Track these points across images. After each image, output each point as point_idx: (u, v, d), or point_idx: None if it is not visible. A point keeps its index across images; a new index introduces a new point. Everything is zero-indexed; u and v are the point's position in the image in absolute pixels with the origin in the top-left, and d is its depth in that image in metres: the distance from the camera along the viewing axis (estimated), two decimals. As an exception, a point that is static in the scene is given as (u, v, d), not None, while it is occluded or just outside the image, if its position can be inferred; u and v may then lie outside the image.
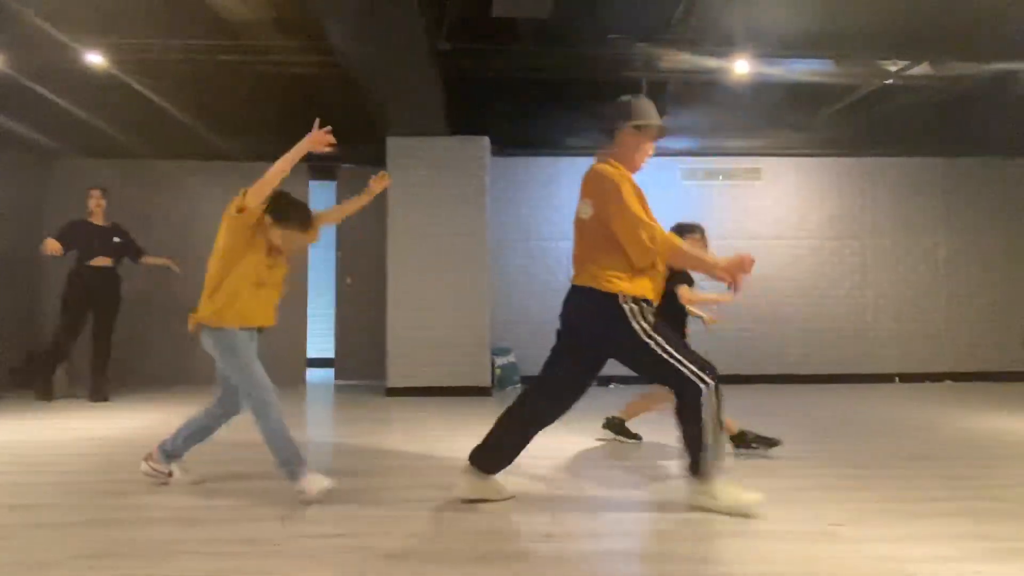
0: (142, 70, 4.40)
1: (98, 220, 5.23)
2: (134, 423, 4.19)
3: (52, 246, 4.87)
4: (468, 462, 2.52)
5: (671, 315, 3.10)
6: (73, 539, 2.12)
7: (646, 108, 2.56)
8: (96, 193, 5.22)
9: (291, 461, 2.51)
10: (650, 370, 2.54)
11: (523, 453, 2.62)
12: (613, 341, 2.49)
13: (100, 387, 5.13)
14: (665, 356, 2.42)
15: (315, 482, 2.47)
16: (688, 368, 2.42)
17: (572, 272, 2.64)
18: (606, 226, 2.46)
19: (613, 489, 2.76)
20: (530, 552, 2.07)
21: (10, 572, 1.85)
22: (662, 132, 2.61)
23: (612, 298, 2.43)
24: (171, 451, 2.73)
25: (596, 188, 2.50)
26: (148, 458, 2.74)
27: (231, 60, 4.36)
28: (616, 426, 3.66)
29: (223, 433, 2.87)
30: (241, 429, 2.89)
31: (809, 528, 2.26)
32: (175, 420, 3.02)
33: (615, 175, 2.48)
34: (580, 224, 2.59)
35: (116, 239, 5.25)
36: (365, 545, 2.06)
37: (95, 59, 4.08)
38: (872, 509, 2.46)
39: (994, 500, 2.57)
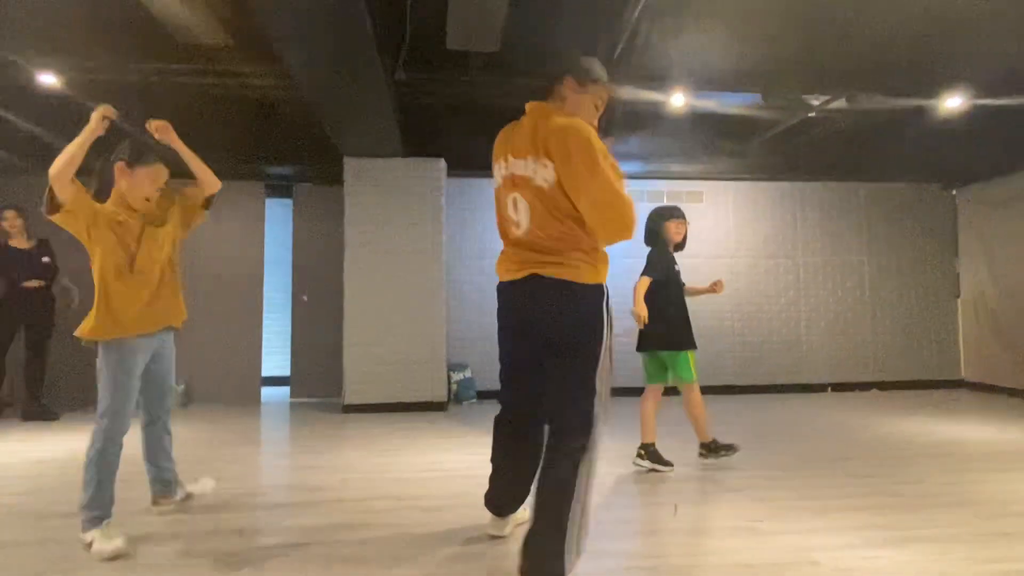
0: (97, 91, 4.42)
1: (20, 243, 5.12)
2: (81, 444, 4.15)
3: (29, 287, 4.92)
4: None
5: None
6: (23, 558, 2.16)
7: (596, 66, 2.22)
8: (10, 215, 5.07)
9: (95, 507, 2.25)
10: (576, 389, 1.97)
11: (484, 458, 2.75)
12: (590, 344, 1.97)
13: (37, 408, 5.06)
14: (596, 382, 1.96)
15: (108, 540, 2.17)
16: (600, 405, 1.96)
17: (520, 258, 2.09)
18: (572, 197, 1.93)
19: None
20: (477, 554, 2.23)
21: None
22: (608, 94, 2.22)
23: (598, 290, 2.02)
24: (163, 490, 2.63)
25: (563, 146, 1.92)
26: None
27: (187, 83, 4.44)
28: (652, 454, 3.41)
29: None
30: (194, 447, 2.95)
31: (731, 524, 2.50)
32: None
33: (591, 133, 1.94)
34: (535, 193, 2.01)
35: (45, 259, 5.17)
36: (317, 553, 2.19)
37: (48, 79, 4.10)
38: (789, 506, 2.73)
39: (895, 495, 2.88)
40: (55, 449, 4.00)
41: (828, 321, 6.78)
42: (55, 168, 2.28)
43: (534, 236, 2.04)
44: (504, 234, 2.21)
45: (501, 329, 2.30)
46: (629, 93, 4.65)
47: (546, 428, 2.02)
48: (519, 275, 2.08)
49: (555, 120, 2.01)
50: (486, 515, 2.46)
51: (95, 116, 2.40)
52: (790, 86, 4.76)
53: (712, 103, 4.75)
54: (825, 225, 6.87)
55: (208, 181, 2.77)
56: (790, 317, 6.74)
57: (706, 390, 6.46)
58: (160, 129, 2.64)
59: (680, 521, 2.54)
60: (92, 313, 2.32)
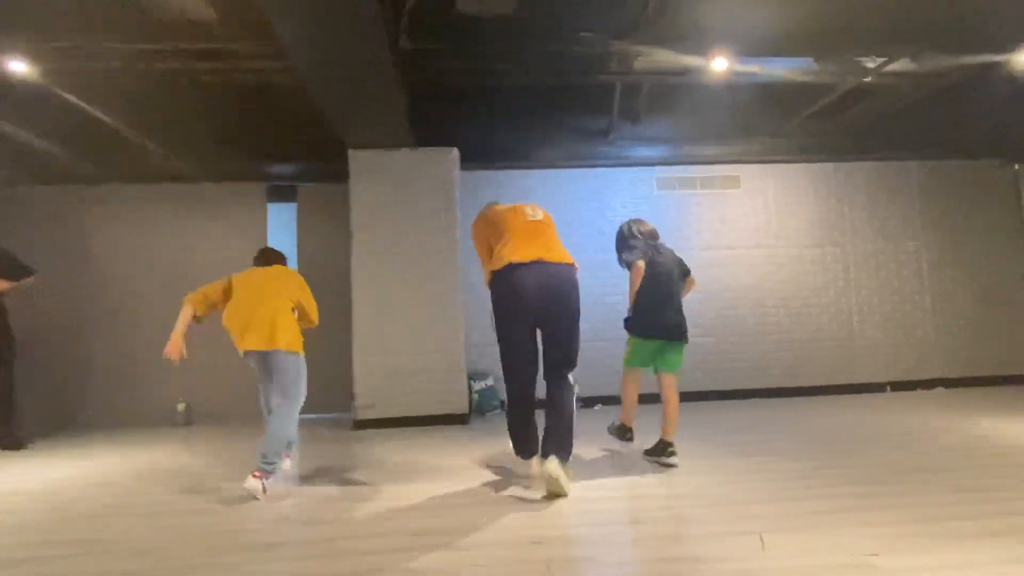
0: (75, 80, 4.02)
1: None
2: (58, 472, 3.70)
3: None
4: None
5: None
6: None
7: None
8: None
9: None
10: (574, 341, 2.98)
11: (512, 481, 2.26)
12: (577, 310, 2.98)
13: (4, 435, 4.58)
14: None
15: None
16: None
17: (534, 254, 2.95)
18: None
19: (611, 526, 2.42)
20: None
21: None
22: None
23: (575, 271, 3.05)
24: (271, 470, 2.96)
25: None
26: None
27: (175, 68, 4.02)
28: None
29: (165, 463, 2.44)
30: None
31: (839, 560, 1.95)
32: (104, 468, 2.59)
33: None
34: (537, 223, 3.13)
35: None
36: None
37: (18, 67, 3.69)
38: (901, 532, 2.17)
39: (1019, 515, 2.31)
40: (32, 479, 3.55)
41: (883, 314, 6.17)
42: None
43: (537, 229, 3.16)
44: (512, 232, 3.07)
45: (519, 303, 2.93)
46: (660, 60, 4.14)
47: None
48: (540, 255, 3.02)
49: None
50: (523, 554, 1.95)
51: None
52: (845, 47, 4.23)
53: (755, 68, 4.22)
54: (875, 209, 6.27)
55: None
56: (840, 311, 6.14)
57: (752, 393, 5.94)
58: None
59: (773, 557, 1.99)
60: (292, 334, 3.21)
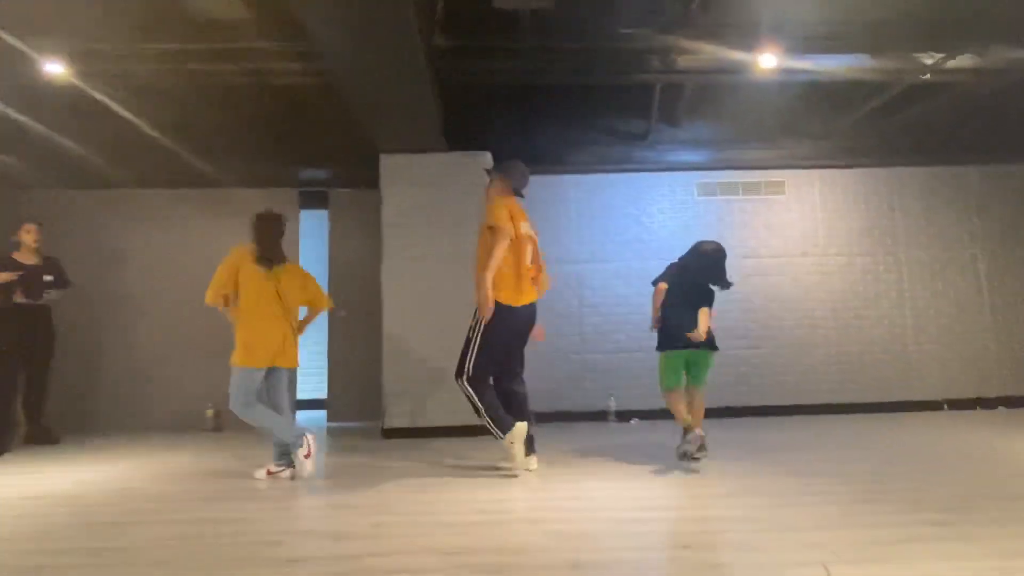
0: (110, 82, 4.03)
1: (27, 258, 4.88)
2: (86, 475, 3.66)
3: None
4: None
5: None
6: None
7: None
8: (32, 228, 4.89)
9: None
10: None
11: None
12: None
13: (38, 430, 4.86)
14: None
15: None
16: None
17: (533, 295, 3.56)
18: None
19: (658, 551, 2.22)
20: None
21: None
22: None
23: None
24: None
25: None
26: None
27: (207, 70, 4.00)
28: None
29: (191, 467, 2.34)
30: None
31: (926, 600, 1.72)
32: (128, 472, 2.52)
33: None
34: (531, 242, 3.54)
35: (47, 277, 4.90)
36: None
37: (55, 68, 3.71)
38: (991, 567, 1.92)
39: None
40: (57, 482, 3.51)
41: (939, 327, 5.81)
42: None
43: (531, 274, 3.57)
44: (519, 272, 3.48)
45: (514, 334, 3.56)
46: (705, 57, 3.96)
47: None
48: (532, 299, 3.57)
49: None
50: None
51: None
52: (903, 41, 3.98)
53: (805, 64, 4.00)
54: (930, 215, 5.94)
55: None
56: (894, 323, 5.80)
57: (800, 409, 5.62)
58: None
59: (845, 593, 1.77)
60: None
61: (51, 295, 4.97)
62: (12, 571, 2.09)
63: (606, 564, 2.05)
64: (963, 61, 4.10)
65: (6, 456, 4.46)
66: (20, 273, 4.75)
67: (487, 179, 3.69)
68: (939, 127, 5.27)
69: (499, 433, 3.37)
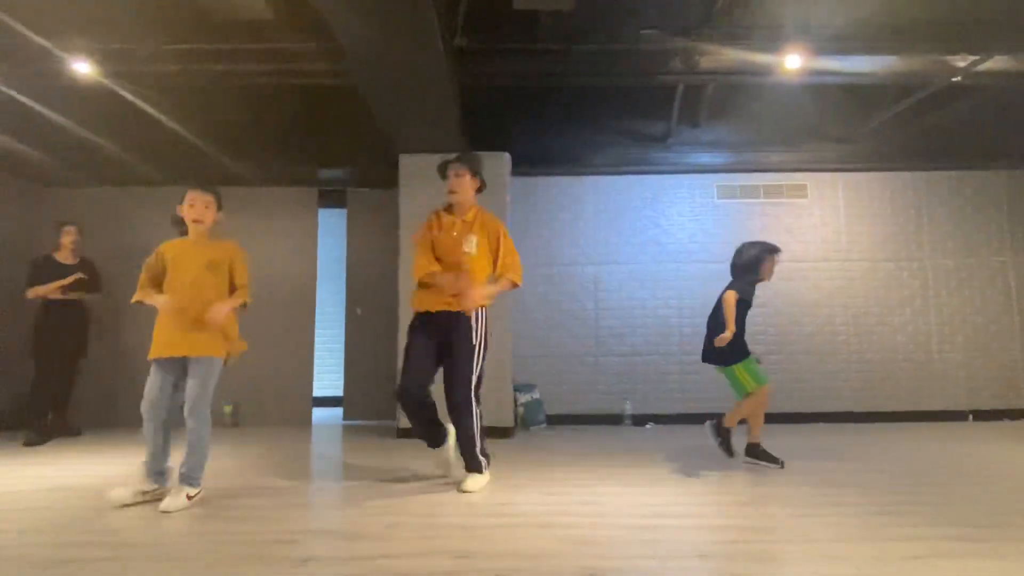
0: (136, 81, 4.08)
1: (65, 257, 5.06)
2: (108, 468, 3.71)
3: (38, 293, 4.88)
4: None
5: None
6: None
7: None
8: (71, 230, 5.07)
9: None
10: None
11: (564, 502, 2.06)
12: None
13: (62, 423, 5.00)
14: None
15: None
16: None
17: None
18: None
19: (674, 559, 2.18)
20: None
21: None
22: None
23: None
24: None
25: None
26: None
27: (232, 71, 4.03)
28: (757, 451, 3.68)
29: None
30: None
31: (952, 619, 1.67)
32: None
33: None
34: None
35: (81, 277, 5.04)
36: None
37: (82, 68, 3.76)
38: (1021, 588, 1.86)
39: None
40: (81, 473, 3.56)
41: (966, 336, 5.68)
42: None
43: None
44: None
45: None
46: (728, 58, 3.90)
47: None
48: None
49: None
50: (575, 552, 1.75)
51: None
52: (932, 42, 3.89)
53: (832, 65, 3.92)
54: (958, 222, 5.81)
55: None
56: (918, 331, 5.68)
57: (819, 416, 5.54)
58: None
59: (867, 610, 1.72)
60: None
61: (84, 296, 5.10)
62: (38, 564, 2.12)
63: (621, 571, 2.02)
64: (995, 63, 3.99)
65: (28, 447, 4.55)
66: (75, 279, 4.94)
67: (458, 172, 3.25)
68: (967, 130, 5.15)
69: (485, 463, 3.19)
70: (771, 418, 5.50)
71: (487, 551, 2.20)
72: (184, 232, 2.96)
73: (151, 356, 2.86)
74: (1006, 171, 5.80)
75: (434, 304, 3.14)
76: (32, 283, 4.91)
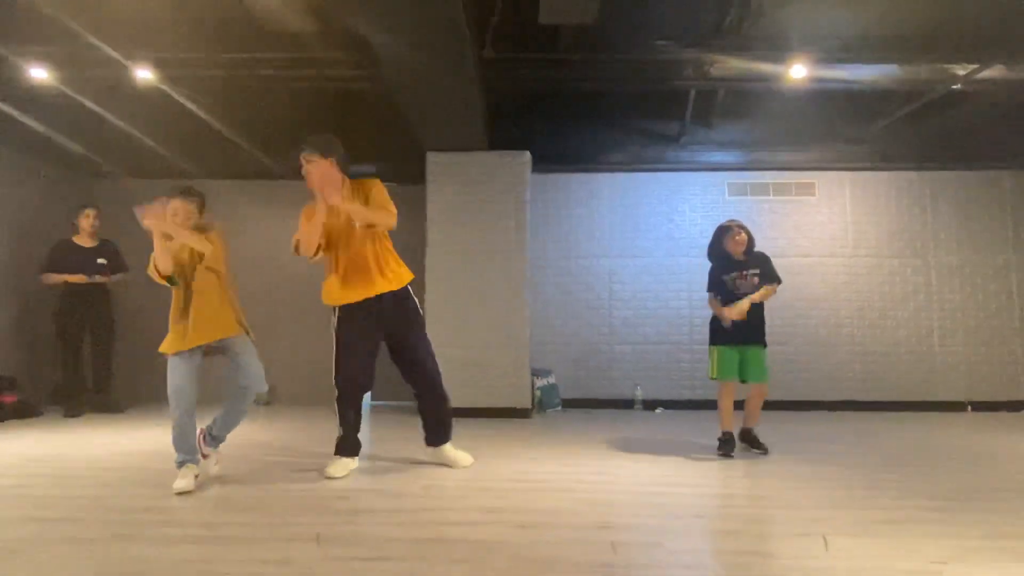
0: (188, 85, 4.45)
1: (85, 241, 5.32)
2: (158, 437, 4.11)
3: (54, 280, 5.16)
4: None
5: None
6: (99, 555, 1.99)
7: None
8: (90, 212, 5.31)
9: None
10: None
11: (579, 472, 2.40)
12: None
13: (105, 400, 5.33)
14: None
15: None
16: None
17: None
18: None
19: (676, 518, 2.51)
20: (588, 584, 1.84)
21: (29, 588, 1.72)
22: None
23: None
24: (216, 435, 3.07)
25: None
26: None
27: (273, 75, 4.38)
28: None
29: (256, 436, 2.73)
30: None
31: (907, 565, 1.97)
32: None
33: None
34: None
35: (100, 260, 5.33)
36: (403, 570, 1.87)
37: (144, 75, 4.13)
38: (975, 546, 2.15)
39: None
40: (138, 443, 3.97)
41: (967, 330, 5.90)
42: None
43: None
44: None
45: None
46: (739, 68, 4.17)
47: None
48: None
49: None
50: (590, 535, 2.15)
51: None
52: (932, 53, 4.11)
53: (836, 74, 4.17)
54: (961, 220, 6.00)
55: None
56: (920, 325, 5.92)
57: (822, 405, 5.82)
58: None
59: (836, 558, 2.04)
60: None
61: (108, 277, 5.37)
62: (124, 511, 2.50)
63: (630, 526, 2.36)
64: (994, 72, 4.21)
65: (78, 420, 4.98)
66: (94, 280, 5.26)
67: (309, 159, 3.09)
68: (971, 133, 5.35)
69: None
70: (776, 406, 5.80)
71: (512, 508, 2.54)
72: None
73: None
74: (1010, 171, 5.97)
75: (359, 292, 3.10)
76: (49, 268, 5.16)
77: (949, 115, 5.01)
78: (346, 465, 3.13)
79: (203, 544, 2.11)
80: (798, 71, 4.02)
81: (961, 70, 4.22)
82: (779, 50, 3.93)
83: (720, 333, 3.69)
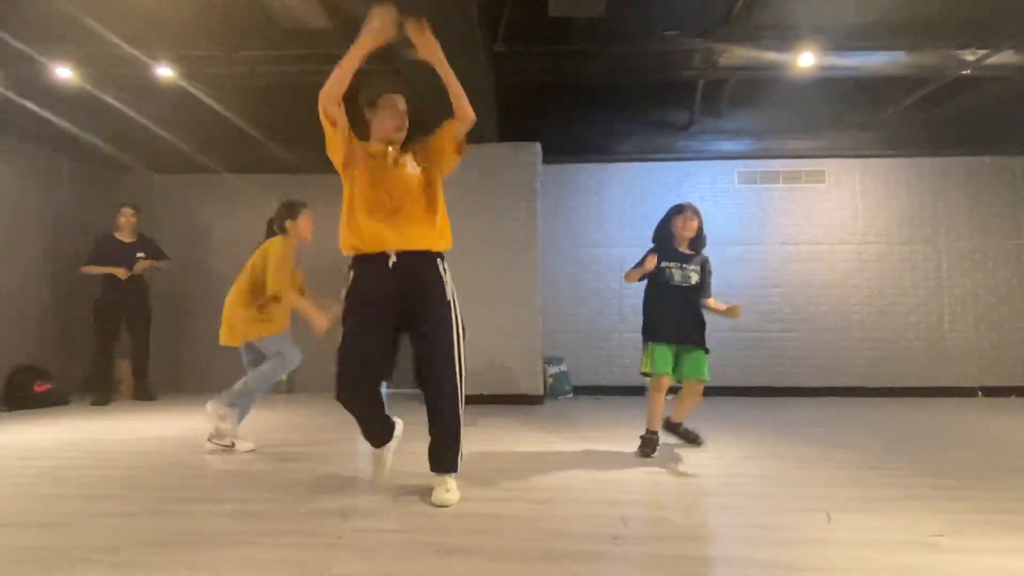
0: (209, 82, 4.57)
1: (124, 236, 5.64)
2: (190, 423, 4.28)
3: (95, 271, 5.48)
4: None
5: None
6: (138, 527, 2.13)
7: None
8: (128, 211, 5.67)
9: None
10: None
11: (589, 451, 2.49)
12: None
13: (142, 389, 5.64)
14: None
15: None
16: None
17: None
18: None
19: (682, 495, 2.61)
20: (597, 553, 1.95)
21: (80, 555, 1.86)
22: None
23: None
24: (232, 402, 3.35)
25: None
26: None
27: (291, 71, 4.48)
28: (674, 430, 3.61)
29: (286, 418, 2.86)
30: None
31: (905, 537, 2.07)
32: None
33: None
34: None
35: (139, 254, 5.64)
36: (425, 540, 2.00)
37: (165, 72, 4.26)
38: (972, 520, 2.24)
39: (1115, 514, 2.31)
40: (170, 429, 4.14)
41: (977, 316, 5.92)
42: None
43: None
44: None
45: None
46: (747, 58, 4.21)
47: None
48: None
49: None
50: (601, 510, 2.25)
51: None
52: (941, 39, 4.13)
53: (844, 62, 4.20)
54: (972, 206, 6.01)
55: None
56: (930, 311, 5.94)
57: (832, 391, 5.88)
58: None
59: (838, 531, 2.13)
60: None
61: (148, 269, 5.67)
62: (159, 488, 2.65)
63: (638, 502, 2.46)
64: (1004, 57, 4.21)
65: (111, 407, 5.18)
66: (130, 271, 5.54)
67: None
68: (981, 118, 5.34)
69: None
70: (786, 392, 5.88)
71: (527, 486, 2.66)
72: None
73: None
74: (1021, 157, 5.96)
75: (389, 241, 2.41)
76: (93, 259, 5.49)
77: (958, 101, 5.01)
78: (380, 458, 2.68)
79: (237, 518, 2.24)
80: (806, 59, 4.06)
81: (970, 56, 4.23)
82: (787, 38, 3.97)
83: (657, 329, 3.33)
